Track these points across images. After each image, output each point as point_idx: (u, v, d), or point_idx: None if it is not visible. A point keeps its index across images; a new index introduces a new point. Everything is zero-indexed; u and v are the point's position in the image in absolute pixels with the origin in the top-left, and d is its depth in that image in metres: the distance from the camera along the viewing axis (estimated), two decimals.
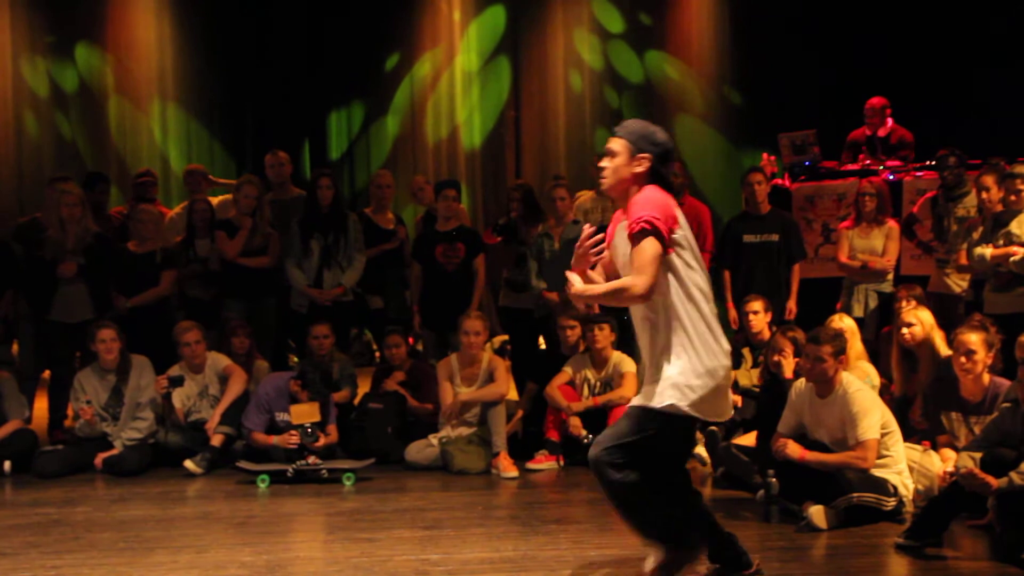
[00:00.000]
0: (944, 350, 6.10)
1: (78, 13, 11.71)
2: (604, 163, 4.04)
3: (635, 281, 3.83)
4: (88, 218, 7.75)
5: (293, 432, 6.67)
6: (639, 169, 3.96)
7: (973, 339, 5.51)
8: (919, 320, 6.19)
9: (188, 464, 6.79)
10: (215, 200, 8.92)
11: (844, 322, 6.60)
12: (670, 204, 3.92)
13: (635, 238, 3.84)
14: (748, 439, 6.31)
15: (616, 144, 4.02)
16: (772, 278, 7.76)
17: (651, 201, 3.87)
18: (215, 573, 4.71)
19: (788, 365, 6.09)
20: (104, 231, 8.02)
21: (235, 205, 8.18)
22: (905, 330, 6.20)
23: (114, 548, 5.15)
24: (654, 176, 3.97)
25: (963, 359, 5.53)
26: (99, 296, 7.61)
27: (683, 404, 3.91)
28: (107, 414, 7.11)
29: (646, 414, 3.96)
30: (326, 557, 5.03)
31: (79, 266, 7.52)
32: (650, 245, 3.81)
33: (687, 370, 3.91)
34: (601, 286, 3.98)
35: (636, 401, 4.08)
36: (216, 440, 6.96)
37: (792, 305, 7.70)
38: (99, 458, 6.94)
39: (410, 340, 8.15)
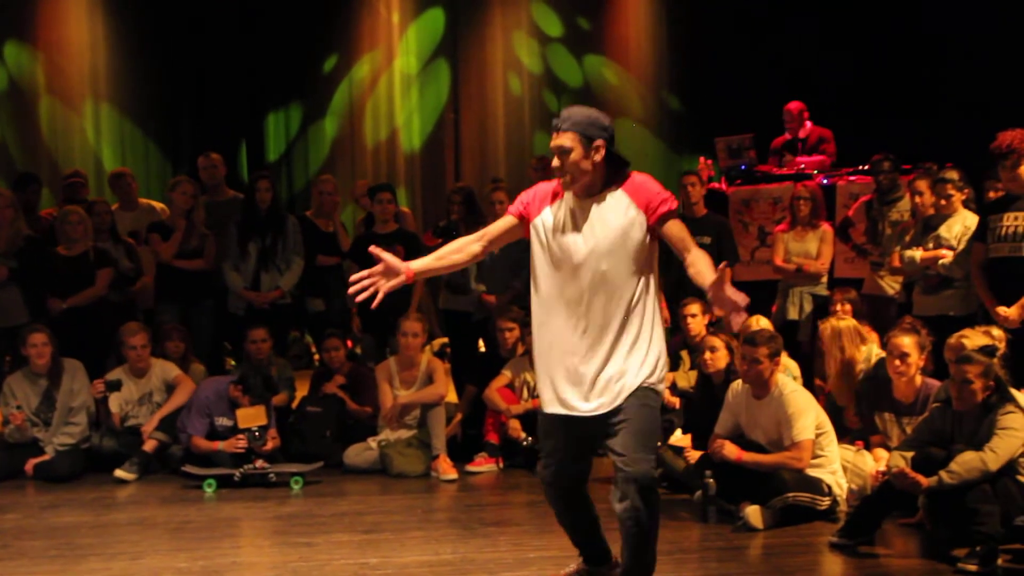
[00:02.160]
0: (874, 352, 6.23)
1: (7, 10, 11.43)
2: (557, 163, 3.89)
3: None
4: (20, 221, 7.60)
5: (240, 436, 6.60)
6: (598, 158, 3.85)
7: (906, 342, 5.62)
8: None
9: (119, 473, 6.68)
10: (158, 205, 8.79)
11: (761, 323, 6.72)
12: None
13: (671, 214, 3.87)
14: (684, 440, 6.37)
15: (566, 139, 3.84)
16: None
17: (658, 183, 3.93)
18: None
19: (720, 363, 6.16)
20: (36, 233, 7.87)
21: (170, 206, 8.08)
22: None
23: (45, 556, 5.05)
24: (611, 160, 3.89)
25: (897, 362, 5.63)
26: (32, 300, 7.46)
27: (663, 391, 3.98)
28: (38, 419, 6.98)
29: (653, 397, 3.89)
30: (263, 562, 4.98)
31: (10, 270, 7.36)
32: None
33: (661, 357, 3.94)
34: (709, 268, 3.76)
35: (612, 394, 3.86)
36: (148, 446, 6.86)
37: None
38: (30, 464, 6.81)
39: (348, 343, 8.10)
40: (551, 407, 3.99)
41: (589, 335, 3.89)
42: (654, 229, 3.87)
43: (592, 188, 3.90)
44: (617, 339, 3.88)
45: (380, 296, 3.86)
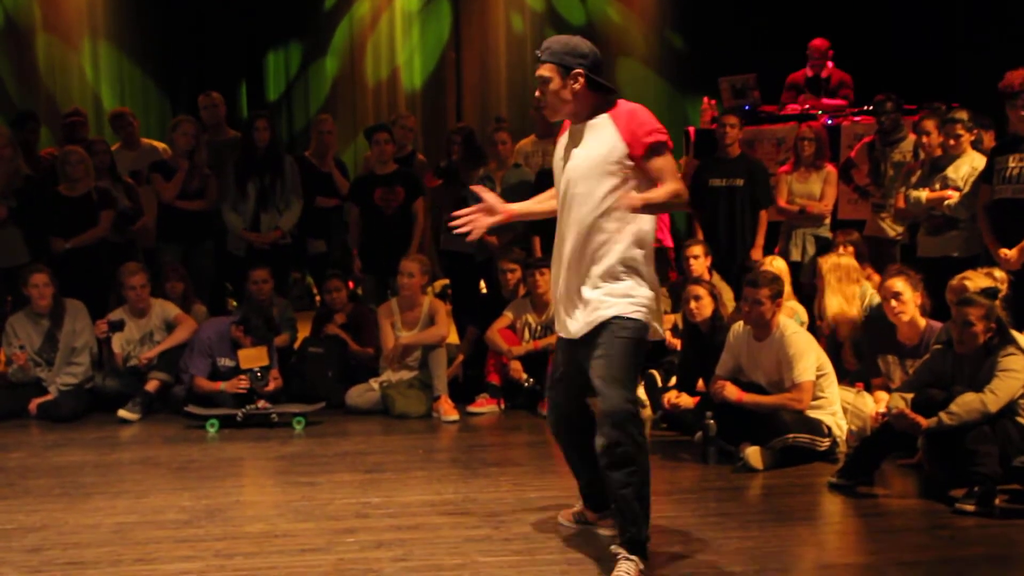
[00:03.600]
0: (868, 292, 6.25)
1: None
2: (538, 93, 3.91)
3: (682, 186, 3.80)
4: (19, 160, 7.56)
5: (242, 377, 6.63)
6: (577, 87, 3.84)
7: (897, 283, 5.65)
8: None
9: (122, 413, 6.71)
10: (160, 145, 8.73)
11: (775, 264, 6.71)
12: None
13: (656, 148, 3.77)
14: (673, 394, 6.36)
15: (545, 70, 3.85)
16: (735, 222, 7.76)
17: (651, 115, 3.82)
18: (154, 518, 4.68)
19: (705, 311, 6.18)
20: (36, 172, 7.83)
21: (171, 146, 8.03)
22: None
23: (50, 494, 5.08)
24: (593, 87, 3.86)
25: (893, 302, 5.65)
26: (33, 240, 7.44)
27: (649, 319, 3.84)
28: (41, 359, 7.00)
29: (623, 325, 3.78)
30: (266, 501, 5.02)
31: (10, 209, 7.34)
32: (670, 155, 3.83)
33: (643, 287, 3.84)
34: (660, 192, 3.74)
35: (587, 319, 3.83)
36: (151, 386, 6.89)
37: (757, 254, 7.62)
38: (33, 403, 6.84)
39: (350, 284, 8.10)
40: (557, 329, 4.06)
41: (571, 257, 3.89)
42: (638, 159, 3.79)
43: (579, 116, 3.89)
44: (591, 264, 3.85)
45: (476, 233, 3.97)
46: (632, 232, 3.84)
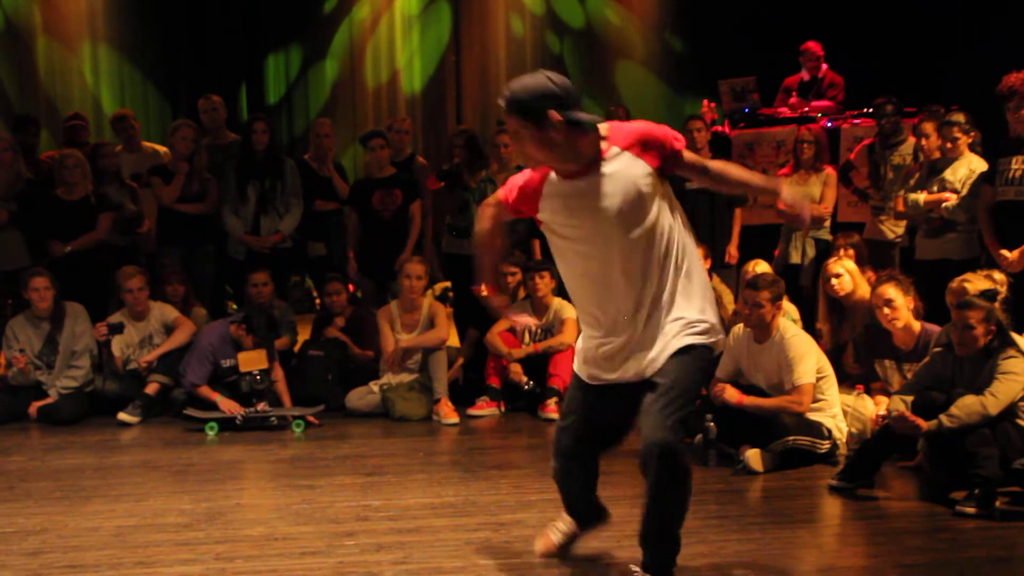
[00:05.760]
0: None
1: None
2: (514, 148, 3.62)
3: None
4: (20, 164, 7.56)
5: (238, 409, 6.60)
6: (555, 133, 3.36)
7: (889, 290, 5.66)
8: (846, 270, 6.28)
9: (122, 416, 6.71)
10: (162, 149, 8.73)
11: (760, 267, 6.72)
12: None
13: (682, 153, 3.53)
14: None
15: (515, 124, 3.41)
16: (713, 224, 7.80)
17: (653, 124, 3.54)
18: (154, 521, 4.68)
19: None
20: (36, 175, 7.83)
21: (171, 149, 8.04)
22: (834, 281, 6.28)
23: (50, 497, 5.08)
24: (571, 126, 3.38)
25: (886, 311, 5.67)
26: (34, 243, 7.44)
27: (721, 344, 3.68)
28: (41, 362, 7.00)
29: (701, 355, 3.56)
30: (267, 504, 5.02)
31: (11, 213, 7.34)
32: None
33: (713, 307, 3.64)
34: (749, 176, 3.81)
35: (668, 344, 3.53)
36: (151, 389, 6.89)
37: (733, 250, 7.76)
38: (34, 407, 6.85)
39: (350, 287, 8.10)
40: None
41: (630, 306, 3.56)
42: (668, 172, 3.53)
43: (569, 161, 3.47)
44: (649, 289, 3.54)
45: None
46: (690, 247, 3.61)
